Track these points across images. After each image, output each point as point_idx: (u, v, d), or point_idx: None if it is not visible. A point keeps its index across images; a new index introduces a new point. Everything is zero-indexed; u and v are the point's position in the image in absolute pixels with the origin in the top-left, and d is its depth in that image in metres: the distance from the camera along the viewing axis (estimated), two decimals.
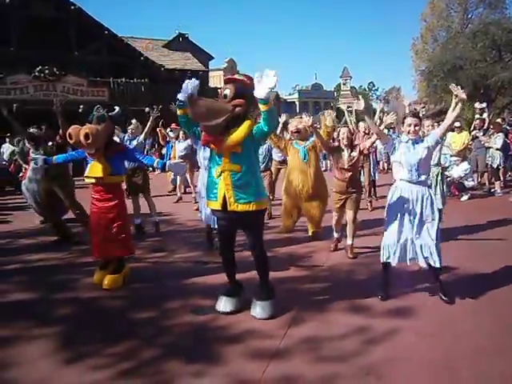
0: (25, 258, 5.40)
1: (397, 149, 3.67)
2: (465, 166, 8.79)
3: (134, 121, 6.73)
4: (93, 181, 4.17)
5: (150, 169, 14.96)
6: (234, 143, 3.20)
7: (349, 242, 5.10)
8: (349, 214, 5.09)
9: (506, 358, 2.78)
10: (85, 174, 4.26)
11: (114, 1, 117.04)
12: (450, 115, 3.92)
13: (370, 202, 7.98)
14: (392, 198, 3.74)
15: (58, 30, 19.41)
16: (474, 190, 9.51)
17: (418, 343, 3.01)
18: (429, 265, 3.62)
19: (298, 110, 45.89)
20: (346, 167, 4.96)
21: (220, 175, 3.28)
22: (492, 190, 9.51)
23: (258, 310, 3.46)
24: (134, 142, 6.50)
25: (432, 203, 3.62)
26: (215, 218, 3.90)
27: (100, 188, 4.19)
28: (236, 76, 3.40)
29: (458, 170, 8.75)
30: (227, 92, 3.25)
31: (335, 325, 3.32)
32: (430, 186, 3.76)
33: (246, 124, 3.23)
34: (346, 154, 4.97)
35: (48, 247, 5.79)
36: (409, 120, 3.61)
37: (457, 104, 3.84)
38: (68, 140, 4.02)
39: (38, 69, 17.45)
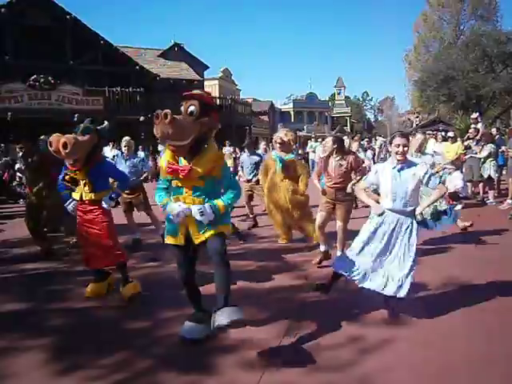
0: (18, 267, 5.36)
1: (380, 177, 3.46)
2: (457, 175, 8.87)
3: (127, 137, 6.40)
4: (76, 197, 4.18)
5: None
6: (205, 170, 2.93)
7: (339, 252, 4.89)
8: (338, 223, 5.02)
9: (499, 366, 2.79)
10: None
11: (109, 10, 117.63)
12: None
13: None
14: (370, 223, 3.55)
15: (54, 39, 19.51)
16: (468, 200, 9.57)
17: (412, 352, 3.01)
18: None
19: (292, 120, 46.14)
20: (332, 174, 4.94)
21: None
22: (485, 200, 9.58)
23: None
24: (135, 161, 6.34)
25: (411, 236, 3.42)
26: None
27: (83, 203, 4.16)
28: (198, 92, 3.14)
29: (454, 182, 8.83)
30: (192, 109, 2.91)
31: (330, 334, 3.31)
32: (414, 217, 3.49)
33: (213, 153, 3.04)
34: (333, 161, 4.95)
35: (41, 257, 5.75)
36: (397, 140, 3.35)
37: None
38: (48, 148, 3.94)
39: (32, 77, 17.50)
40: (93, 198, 4.09)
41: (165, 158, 3.02)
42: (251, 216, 7.50)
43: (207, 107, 2.99)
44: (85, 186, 4.07)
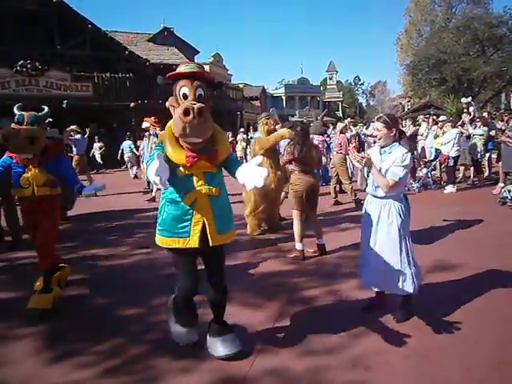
0: (8, 256, 5.33)
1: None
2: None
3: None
4: (26, 194, 3.69)
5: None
6: (227, 152, 2.63)
7: (322, 241, 5.03)
8: (314, 214, 5.10)
9: (489, 345, 2.83)
10: (18, 186, 3.69)
11: None
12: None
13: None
14: (363, 215, 3.36)
15: (40, 24, 19.11)
16: (459, 183, 9.67)
17: (404, 334, 3.05)
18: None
19: (284, 105, 45.98)
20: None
21: (193, 202, 2.54)
22: (475, 183, 9.69)
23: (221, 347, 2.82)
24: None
25: (393, 225, 3.13)
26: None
27: (32, 201, 3.73)
28: (203, 70, 2.62)
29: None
30: (201, 92, 2.50)
31: (322, 318, 3.35)
32: (399, 201, 3.20)
33: (223, 134, 2.70)
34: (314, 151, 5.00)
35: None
36: (375, 125, 3.28)
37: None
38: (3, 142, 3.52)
39: (19, 63, 17.13)
40: (52, 192, 3.79)
41: (173, 147, 2.48)
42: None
43: (212, 87, 2.71)
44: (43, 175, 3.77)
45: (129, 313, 3.61)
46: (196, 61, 30.48)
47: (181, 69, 2.55)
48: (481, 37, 26.22)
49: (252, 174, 2.30)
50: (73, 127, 10.44)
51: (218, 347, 2.79)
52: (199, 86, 2.49)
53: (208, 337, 2.88)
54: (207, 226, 2.55)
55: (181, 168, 2.49)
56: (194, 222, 2.54)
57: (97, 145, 17.63)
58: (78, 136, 10.53)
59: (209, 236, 2.55)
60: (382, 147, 3.23)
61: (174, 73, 2.53)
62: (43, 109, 3.83)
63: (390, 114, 3.39)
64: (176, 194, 2.54)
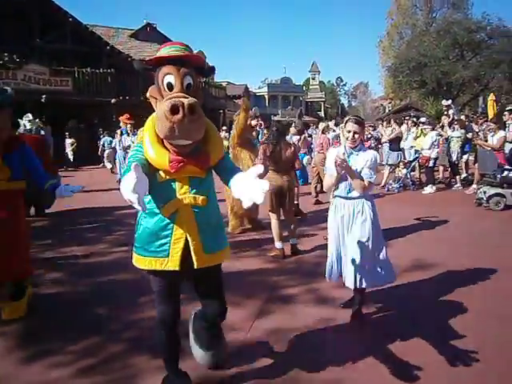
0: None
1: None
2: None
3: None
4: None
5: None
6: (220, 154, 2.17)
7: (294, 241, 5.09)
8: (290, 213, 5.12)
9: (478, 346, 2.85)
10: None
11: None
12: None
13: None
14: (329, 216, 3.43)
15: (20, 16, 18.65)
16: (438, 184, 9.86)
17: (382, 334, 3.09)
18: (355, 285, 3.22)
19: (267, 104, 46.03)
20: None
21: (174, 214, 2.07)
22: (452, 184, 9.90)
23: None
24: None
25: (368, 221, 3.16)
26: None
27: None
28: (191, 53, 2.10)
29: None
30: (190, 81, 2.02)
31: (301, 316, 3.37)
32: (370, 200, 3.27)
33: (216, 131, 2.24)
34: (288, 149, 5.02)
35: None
36: (349, 126, 3.13)
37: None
38: None
39: None
40: (10, 187, 3.31)
41: (155, 149, 2.01)
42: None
43: (202, 73, 2.20)
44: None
45: (106, 311, 3.57)
46: None
47: (164, 51, 2.04)
48: (460, 41, 26.76)
49: (251, 189, 1.78)
50: (36, 121, 9.82)
51: (204, 355, 2.58)
52: (187, 74, 2.01)
53: (192, 336, 2.64)
54: (190, 244, 2.08)
55: (161, 172, 2.04)
56: (175, 240, 2.08)
57: (68, 141, 17.22)
58: (42, 132, 9.95)
59: (193, 256, 2.09)
60: (350, 148, 3.20)
61: (155, 57, 2.04)
62: (5, 90, 3.26)
63: (359, 116, 3.38)
64: (154, 204, 2.08)
